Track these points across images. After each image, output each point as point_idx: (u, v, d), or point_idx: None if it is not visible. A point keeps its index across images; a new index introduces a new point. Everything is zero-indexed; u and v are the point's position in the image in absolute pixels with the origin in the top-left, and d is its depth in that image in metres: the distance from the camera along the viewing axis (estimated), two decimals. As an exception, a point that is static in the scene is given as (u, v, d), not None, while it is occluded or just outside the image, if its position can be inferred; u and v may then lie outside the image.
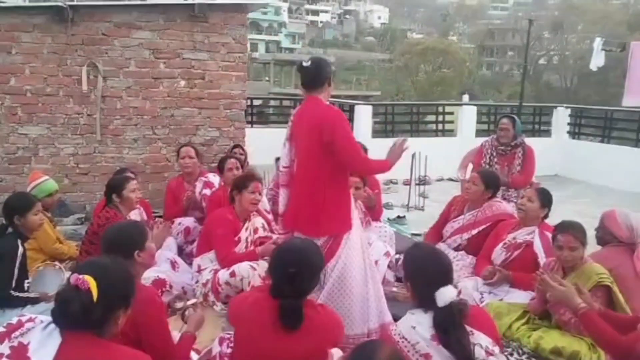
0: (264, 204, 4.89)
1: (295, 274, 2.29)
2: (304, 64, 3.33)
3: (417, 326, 2.24)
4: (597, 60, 10.00)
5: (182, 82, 6.31)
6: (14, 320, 1.86)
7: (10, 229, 3.54)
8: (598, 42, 10.03)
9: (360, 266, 3.34)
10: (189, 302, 3.32)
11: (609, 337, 2.51)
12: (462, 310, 2.21)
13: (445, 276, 2.30)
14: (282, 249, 2.50)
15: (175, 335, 2.72)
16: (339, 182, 3.32)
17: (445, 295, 2.21)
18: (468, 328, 2.21)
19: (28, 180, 4.75)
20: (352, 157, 3.24)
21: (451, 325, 2.18)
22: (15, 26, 5.72)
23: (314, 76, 3.33)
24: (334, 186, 3.28)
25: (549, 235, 3.70)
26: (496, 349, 2.23)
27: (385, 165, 3.36)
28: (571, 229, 3.26)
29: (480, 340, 2.20)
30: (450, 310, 2.19)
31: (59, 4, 5.79)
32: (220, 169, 5.10)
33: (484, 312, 2.46)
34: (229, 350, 2.63)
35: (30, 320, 1.85)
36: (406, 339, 2.24)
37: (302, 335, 2.29)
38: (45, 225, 4.02)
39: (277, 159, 5.27)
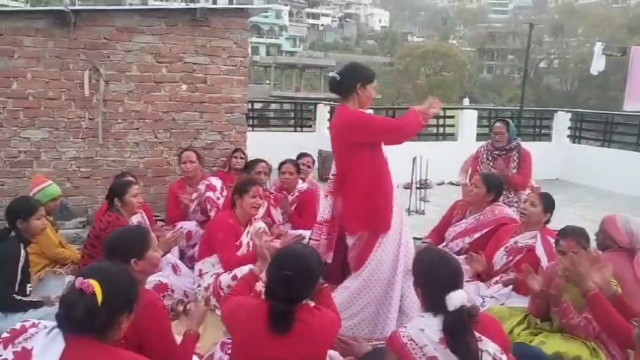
0: (277, 213, 4.93)
1: (291, 278, 2.27)
2: (330, 74, 3.53)
3: (426, 329, 2.24)
4: (598, 65, 10.00)
5: (184, 86, 6.32)
6: (18, 325, 1.87)
7: (12, 233, 3.55)
8: (599, 47, 10.02)
9: (391, 270, 3.48)
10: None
11: (616, 321, 2.55)
12: (473, 315, 2.22)
13: (455, 280, 2.31)
14: (281, 252, 2.50)
15: (177, 339, 2.72)
16: (378, 182, 3.47)
17: (455, 299, 2.21)
18: (477, 334, 2.21)
19: (30, 184, 4.74)
20: (390, 135, 3.45)
21: (460, 330, 2.18)
22: (18, 30, 5.74)
23: (338, 85, 3.49)
24: (372, 185, 3.44)
25: (551, 239, 3.70)
26: (504, 357, 2.23)
27: (415, 115, 3.49)
28: (574, 235, 3.27)
29: (488, 347, 2.20)
30: (460, 314, 2.19)
31: (62, 8, 5.81)
32: (247, 171, 5.16)
33: (493, 320, 2.46)
34: (227, 358, 2.62)
35: (34, 325, 1.86)
36: (414, 341, 2.24)
37: (299, 341, 2.28)
38: (47, 230, 4.02)
39: (281, 164, 5.31)
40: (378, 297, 3.46)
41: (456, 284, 2.28)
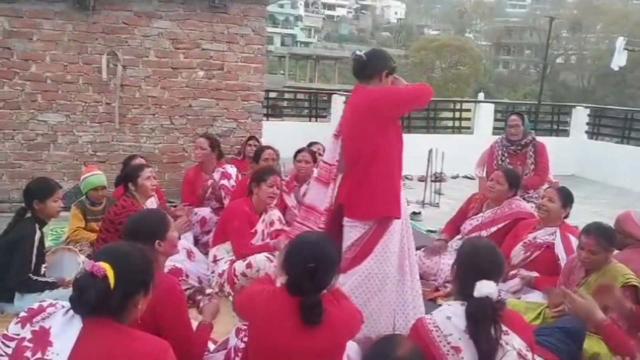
0: (291, 199, 4.90)
1: (315, 269, 2.23)
2: (357, 52, 3.26)
3: (452, 317, 2.22)
4: (619, 60, 9.83)
5: (201, 73, 6.32)
6: (36, 305, 1.86)
7: (29, 214, 3.57)
8: (620, 42, 9.85)
9: (396, 260, 3.23)
10: (207, 291, 3.32)
11: (631, 351, 2.48)
12: (497, 309, 2.18)
13: (490, 272, 2.28)
14: (297, 244, 2.39)
15: (193, 325, 2.71)
16: (387, 165, 3.21)
17: (485, 287, 2.18)
18: (504, 327, 2.18)
19: (83, 172, 4.77)
20: (418, 100, 3.26)
21: (481, 318, 2.16)
22: (37, 13, 5.76)
23: (363, 67, 3.23)
24: (381, 169, 3.18)
25: (571, 237, 3.66)
26: (529, 354, 2.20)
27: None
28: (597, 233, 3.16)
29: (514, 341, 2.18)
30: (484, 303, 2.17)
31: (81, -9, 5.81)
32: (256, 160, 5.10)
33: (519, 316, 2.44)
34: (242, 345, 2.60)
35: (51, 305, 1.85)
36: (440, 329, 2.22)
37: (321, 331, 2.24)
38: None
39: (297, 152, 5.27)
40: (388, 290, 3.18)
41: (489, 276, 2.25)
